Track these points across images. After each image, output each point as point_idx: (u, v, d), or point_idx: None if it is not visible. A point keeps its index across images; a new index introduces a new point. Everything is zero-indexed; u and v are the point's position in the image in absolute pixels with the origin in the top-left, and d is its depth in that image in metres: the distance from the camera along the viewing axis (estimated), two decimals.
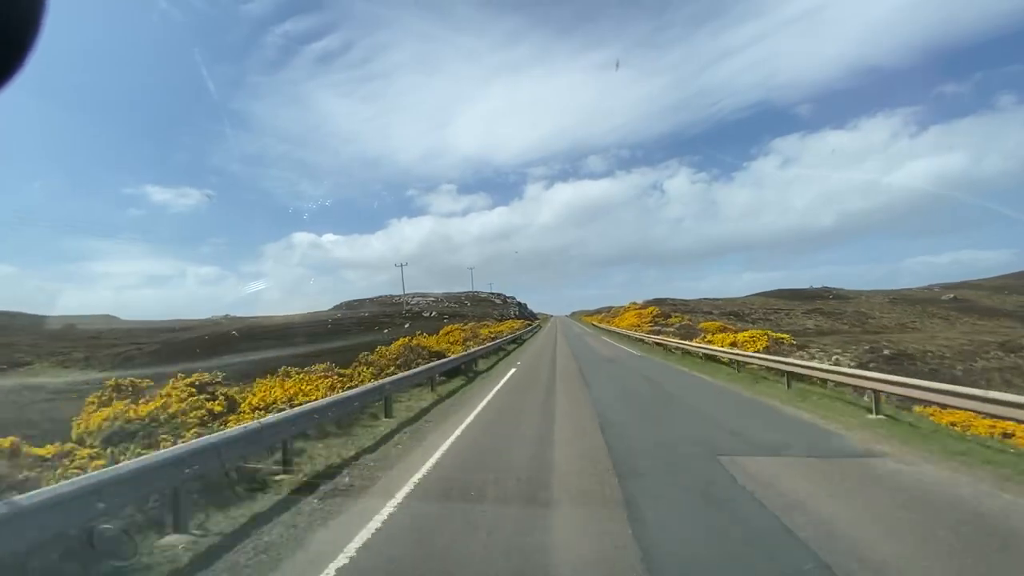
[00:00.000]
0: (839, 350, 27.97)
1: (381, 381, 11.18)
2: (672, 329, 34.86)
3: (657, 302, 74.52)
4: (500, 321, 63.20)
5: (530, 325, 70.11)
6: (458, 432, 8.49)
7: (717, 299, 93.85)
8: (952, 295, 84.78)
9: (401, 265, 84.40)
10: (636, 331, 38.70)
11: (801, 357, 17.58)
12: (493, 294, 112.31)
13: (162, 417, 7.06)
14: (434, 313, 79.12)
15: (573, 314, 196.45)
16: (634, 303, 76.88)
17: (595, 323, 79.73)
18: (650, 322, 44.70)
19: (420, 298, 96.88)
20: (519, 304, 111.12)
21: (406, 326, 61.60)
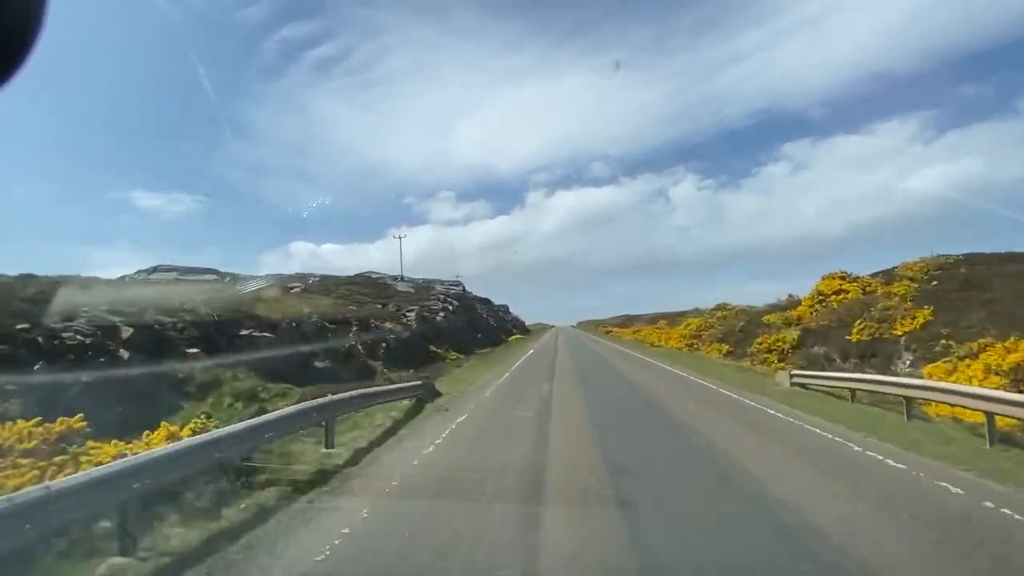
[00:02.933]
0: None
1: None
2: None
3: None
4: None
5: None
6: None
7: None
8: None
9: None
10: None
11: None
12: (401, 278, 47.70)
13: None
14: None
15: (580, 324, 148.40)
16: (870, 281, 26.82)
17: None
18: None
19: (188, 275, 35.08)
20: (466, 298, 51.99)
21: None
